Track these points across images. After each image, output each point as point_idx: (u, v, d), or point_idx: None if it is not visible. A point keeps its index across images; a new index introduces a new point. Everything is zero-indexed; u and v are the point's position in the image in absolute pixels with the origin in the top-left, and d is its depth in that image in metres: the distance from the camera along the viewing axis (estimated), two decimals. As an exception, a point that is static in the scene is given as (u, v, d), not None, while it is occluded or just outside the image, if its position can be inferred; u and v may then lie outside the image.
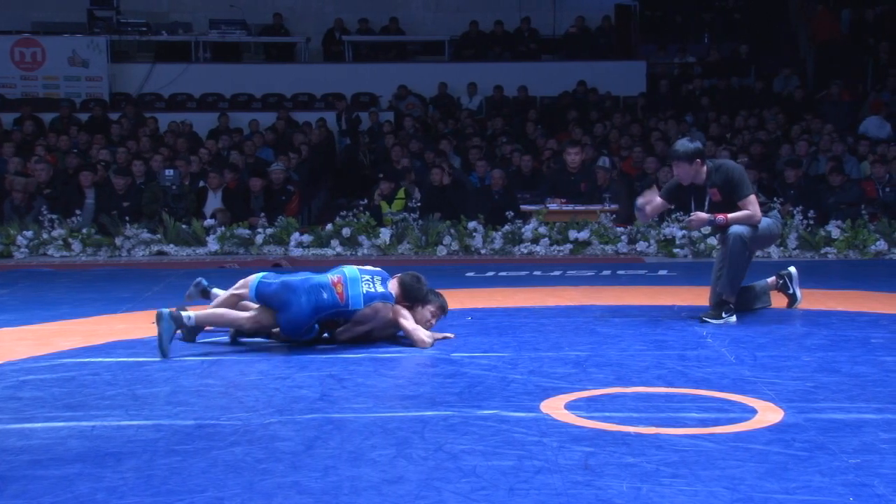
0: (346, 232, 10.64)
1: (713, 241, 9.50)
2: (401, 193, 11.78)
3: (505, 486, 3.26)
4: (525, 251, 10.49)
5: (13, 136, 14.28)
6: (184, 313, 5.41)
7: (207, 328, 5.70)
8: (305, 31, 18.51)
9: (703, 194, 6.42)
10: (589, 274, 8.96)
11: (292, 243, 10.69)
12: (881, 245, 10.13)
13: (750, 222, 6.29)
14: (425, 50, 18.59)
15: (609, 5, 18.32)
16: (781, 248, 10.13)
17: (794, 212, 10.41)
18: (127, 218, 10.93)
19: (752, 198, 6.32)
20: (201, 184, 11.87)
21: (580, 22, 18.07)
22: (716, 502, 3.12)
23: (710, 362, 5.13)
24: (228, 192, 11.74)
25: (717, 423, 3.98)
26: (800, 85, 16.36)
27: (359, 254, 10.53)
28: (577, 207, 10.82)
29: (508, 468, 3.43)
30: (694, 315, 6.44)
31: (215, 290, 6.01)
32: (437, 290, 5.88)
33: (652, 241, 10.39)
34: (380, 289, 5.55)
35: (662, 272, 9.07)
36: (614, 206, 10.90)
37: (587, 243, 10.46)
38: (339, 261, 9.71)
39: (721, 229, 6.35)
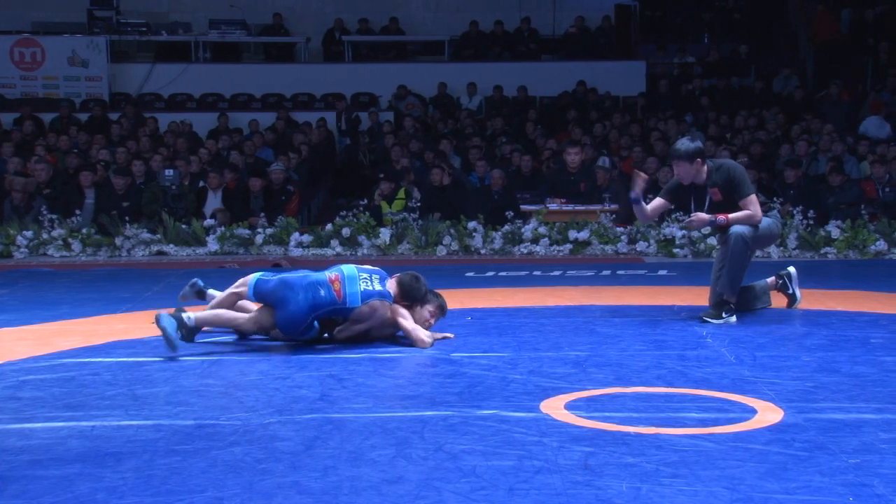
0: (345, 232, 10.64)
1: (713, 241, 9.50)
2: (401, 193, 11.78)
3: (505, 486, 3.26)
4: (525, 251, 10.49)
5: (13, 136, 14.27)
6: (183, 314, 5.42)
7: (206, 329, 5.70)
8: (305, 31, 18.52)
9: (703, 194, 6.42)
10: (589, 274, 8.96)
11: (292, 243, 10.69)
12: (881, 245, 10.13)
13: (751, 222, 6.29)
14: (425, 50, 18.59)
15: (609, 5, 18.33)
16: (781, 248, 10.13)
17: (794, 212, 10.41)
18: (127, 218, 10.92)
19: (753, 197, 6.32)
20: (201, 184, 11.87)
21: (580, 22, 18.07)
22: (716, 502, 3.12)
23: (710, 362, 5.13)
24: (228, 192, 11.74)
25: (716, 423, 3.98)
26: (799, 85, 16.37)
27: (359, 254, 10.53)
28: (576, 207, 10.82)
29: (508, 468, 3.43)
30: (694, 315, 6.44)
31: (211, 291, 6.00)
32: (437, 291, 5.88)
33: (652, 241, 10.40)
34: (378, 287, 5.55)
35: (662, 272, 9.07)
36: (614, 206, 10.90)
37: (587, 243, 10.46)
38: (338, 261, 9.71)
39: (722, 230, 6.35)
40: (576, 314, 6.67)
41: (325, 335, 5.73)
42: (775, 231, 6.66)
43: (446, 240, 10.57)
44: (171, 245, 10.78)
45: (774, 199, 10.37)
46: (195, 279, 6.15)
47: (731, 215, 6.27)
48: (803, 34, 18.11)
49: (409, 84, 16.72)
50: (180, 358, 5.29)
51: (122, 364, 5.19)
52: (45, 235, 10.75)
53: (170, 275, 8.92)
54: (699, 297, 6.85)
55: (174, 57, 17.62)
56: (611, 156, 13.09)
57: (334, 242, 10.65)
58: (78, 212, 11.06)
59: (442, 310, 5.81)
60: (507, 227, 10.61)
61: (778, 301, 6.84)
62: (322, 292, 5.44)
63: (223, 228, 10.82)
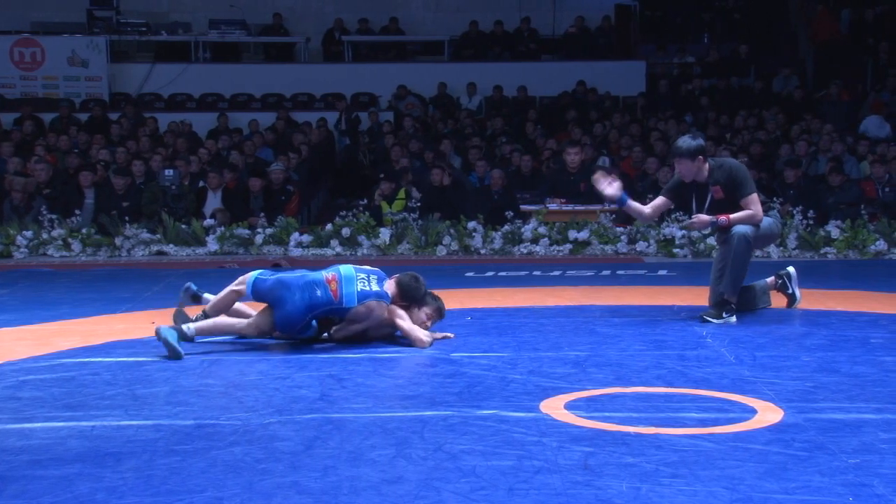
0: (345, 232, 10.64)
1: (713, 241, 9.49)
2: (401, 194, 11.78)
3: (504, 486, 3.26)
4: (525, 251, 10.49)
5: (13, 136, 14.27)
6: (184, 325, 5.44)
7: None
8: (305, 31, 18.51)
9: (704, 192, 6.41)
10: (589, 274, 8.96)
11: (292, 243, 10.69)
12: (881, 245, 10.13)
13: (752, 222, 6.29)
14: (425, 50, 18.59)
15: (609, 5, 18.32)
16: (781, 248, 10.13)
17: (794, 212, 10.41)
18: (127, 218, 10.92)
19: (755, 196, 6.32)
20: (201, 184, 11.87)
21: (580, 22, 18.07)
22: (715, 502, 3.12)
23: (710, 362, 5.13)
24: (228, 192, 11.74)
25: (716, 423, 3.98)
26: (799, 85, 16.36)
27: (358, 254, 10.53)
28: (576, 207, 10.82)
29: (508, 468, 3.43)
30: (694, 315, 6.44)
31: (207, 296, 5.95)
32: (436, 294, 5.87)
33: (652, 241, 10.40)
34: (375, 288, 5.55)
35: (662, 272, 9.07)
36: (614, 206, 10.87)
37: (587, 243, 10.46)
38: (338, 261, 9.71)
39: (723, 230, 6.34)
40: (576, 314, 6.67)
41: (325, 334, 5.73)
42: (775, 231, 6.67)
43: (446, 240, 10.57)
44: (171, 245, 10.78)
45: (774, 199, 10.40)
46: (188, 284, 6.04)
47: (732, 216, 6.27)
48: (803, 34, 18.11)
49: (408, 84, 16.72)
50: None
51: (122, 364, 5.19)
52: (45, 235, 10.75)
53: (170, 275, 8.91)
54: (699, 297, 6.85)
55: (174, 57, 17.62)
56: (611, 156, 13.09)
57: (334, 242, 10.65)
58: (78, 212, 11.06)
59: (439, 313, 5.81)
60: (506, 227, 10.61)
61: (778, 301, 6.84)
62: (318, 292, 5.45)
63: (223, 228, 10.82)
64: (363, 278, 5.56)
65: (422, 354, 5.40)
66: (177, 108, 16.53)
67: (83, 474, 3.42)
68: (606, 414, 4.12)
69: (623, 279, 8.64)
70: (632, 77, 16.88)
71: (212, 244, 10.72)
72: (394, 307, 5.64)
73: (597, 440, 3.75)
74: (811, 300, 7.00)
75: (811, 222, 10.35)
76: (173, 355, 5.26)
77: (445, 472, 3.41)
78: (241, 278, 5.72)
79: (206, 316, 5.69)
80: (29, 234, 10.74)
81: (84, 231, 10.83)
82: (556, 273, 9.07)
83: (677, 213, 9.73)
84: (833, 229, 10.29)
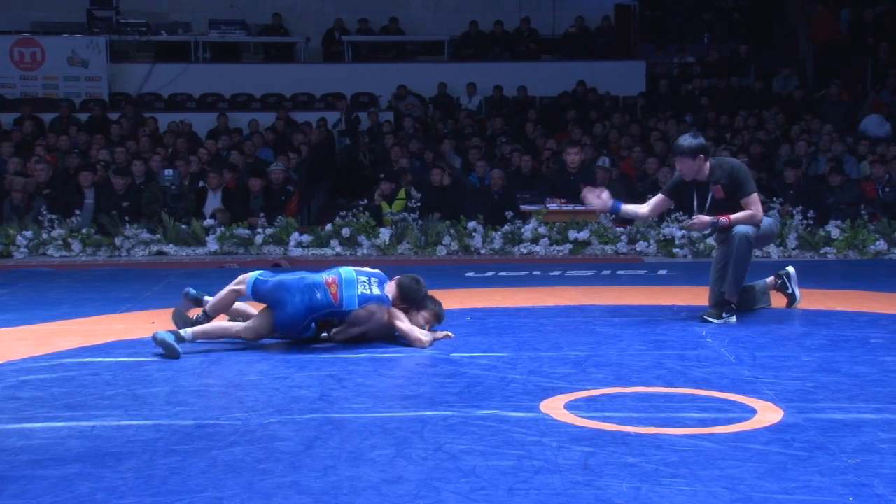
0: (345, 232, 10.64)
1: (713, 240, 9.48)
2: (401, 194, 11.77)
3: (504, 486, 3.26)
4: (525, 251, 10.49)
5: (13, 136, 14.27)
6: (182, 331, 5.44)
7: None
8: (305, 31, 18.51)
9: (705, 191, 6.40)
10: (588, 274, 8.96)
11: (292, 243, 10.69)
12: (881, 245, 10.13)
13: (752, 222, 6.29)
14: (425, 50, 18.59)
15: (609, 5, 18.33)
16: (781, 248, 10.13)
17: (794, 212, 10.40)
18: (126, 218, 10.92)
19: (756, 196, 6.32)
20: (201, 184, 11.87)
21: (580, 22, 18.07)
22: (715, 502, 3.12)
23: (710, 362, 5.13)
24: (228, 192, 11.74)
25: (716, 423, 3.98)
26: (799, 85, 16.37)
27: (358, 254, 10.53)
28: (576, 207, 10.80)
29: (508, 468, 3.43)
30: (694, 315, 6.44)
31: (206, 298, 5.93)
32: (436, 298, 5.85)
33: (651, 241, 10.39)
34: (375, 291, 5.55)
35: (662, 272, 9.07)
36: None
37: (587, 243, 10.46)
38: (338, 261, 9.71)
39: (723, 230, 6.34)
40: (576, 314, 6.67)
41: (324, 335, 5.73)
42: (775, 230, 6.67)
43: (446, 240, 10.57)
44: (171, 245, 10.77)
45: (774, 198, 10.41)
46: (187, 288, 6.01)
47: (732, 216, 6.26)
48: (803, 34, 18.12)
49: (408, 84, 16.72)
50: (180, 358, 5.29)
51: (122, 364, 5.19)
52: (44, 235, 10.75)
53: (170, 275, 8.92)
54: (699, 297, 6.85)
55: (174, 57, 17.62)
56: (611, 156, 13.09)
57: (334, 242, 10.65)
58: (78, 212, 11.05)
59: (438, 318, 5.80)
60: (506, 227, 10.61)
61: (778, 301, 6.84)
62: (318, 295, 5.45)
63: (223, 228, 10.82)
64: (364, 281, 5.55)
65: (422, 354, 5.40)
66: (177, 108, 16.53)
67: (83, 474, 3.42)
68: (606, 414, 4.12)
69: (623, 279, 8.64)
70: (632, 77, 16.88)
71: (212, 244, 10.72)
72: (394, 310, 5.64)
73: (597, 440, 3.75)
74: (811, 300, 7.00)
75: (811, 222, 10.35)
76: (171, 354, 5.26)
77: (445, 472, 3.41)
78: (240, 277, 5.72)
79: (206, 315, 5.70)
80: (29, 234, 10.74)
81: (84, 231, 10.83)
82: (556, 273, 9.07)
83: (677, 213, 9.74)
84: (833, 229, 10.29)
